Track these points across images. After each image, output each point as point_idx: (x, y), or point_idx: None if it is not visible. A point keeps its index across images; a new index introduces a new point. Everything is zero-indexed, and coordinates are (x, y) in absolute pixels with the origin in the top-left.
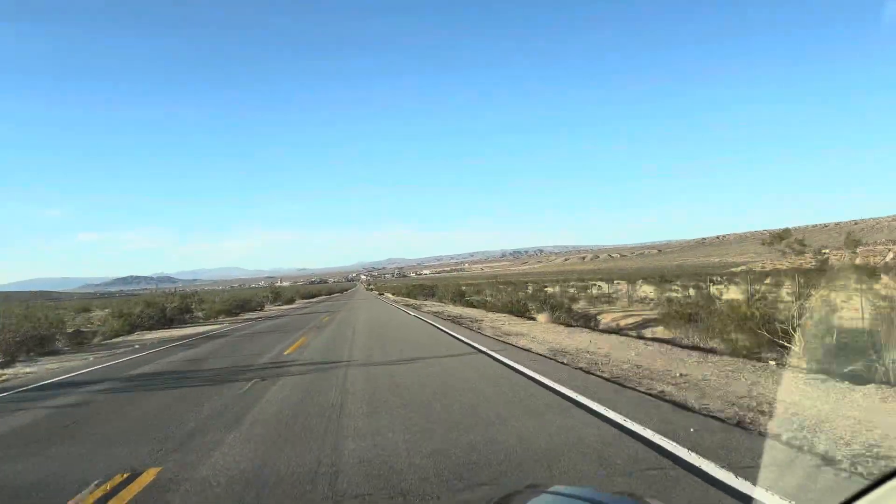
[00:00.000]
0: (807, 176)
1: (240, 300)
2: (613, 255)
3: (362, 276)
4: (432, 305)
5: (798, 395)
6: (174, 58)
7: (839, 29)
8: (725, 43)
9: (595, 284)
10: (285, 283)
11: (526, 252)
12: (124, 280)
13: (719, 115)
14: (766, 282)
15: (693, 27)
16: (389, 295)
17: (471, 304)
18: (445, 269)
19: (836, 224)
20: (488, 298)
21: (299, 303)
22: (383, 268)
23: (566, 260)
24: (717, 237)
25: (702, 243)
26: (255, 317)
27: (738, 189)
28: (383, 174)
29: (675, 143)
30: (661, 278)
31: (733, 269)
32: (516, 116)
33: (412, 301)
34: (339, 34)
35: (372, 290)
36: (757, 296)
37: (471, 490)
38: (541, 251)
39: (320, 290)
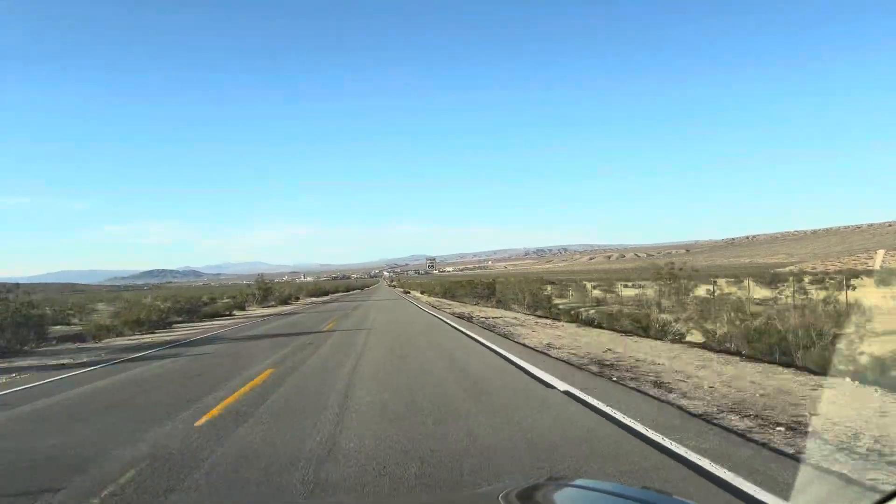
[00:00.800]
0: (839, 175)
1: (188, 301)
2: (640, 254)
3: (385, 273)
4: (527, 324)
5: None
6: (192, 49)
7: (859, 24)
8: (756, 39)
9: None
10: (308, 278)
11: (549, 250)
12: (151, 273)
13: (745, 112)
14: None
15: (723, 21)
16: (418, 294)
17: (588, 323)
18: (469, 266)
19: (870, 225)
20: (655, 314)
21: (301, 303)
22: (406, 264)
23: (591, 259)
24: (747, 237)
25: (731, 243)
26: (174, 338)
27: (765, 189)
28: (405, 170)
29: (699, 141)
30: (775, 279)
31: (780, 269)
32: (537, 113)
33: (461, 308)
34: (361, 25)
35: (395, 286)
36: None
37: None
38: (565, 249)
39: (337, 286)
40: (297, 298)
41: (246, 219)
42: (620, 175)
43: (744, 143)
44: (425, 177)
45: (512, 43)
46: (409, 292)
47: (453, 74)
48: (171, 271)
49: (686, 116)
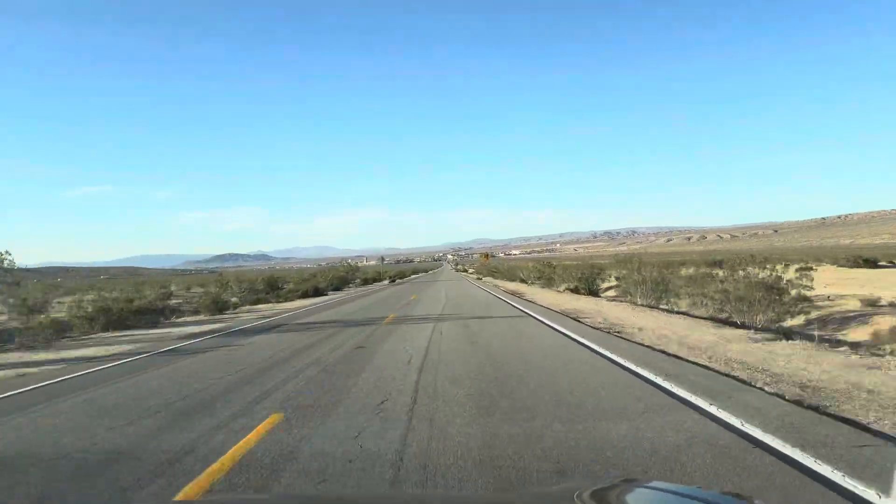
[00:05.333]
0: None
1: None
2: (722, 235)
3: (449, 256)
4: None
5: None
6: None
7: None
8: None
9: None
10: (371, 262)
11: (619, 233)
12: (222, 257)
13: (838, 88)
14: None
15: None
16: (539, 296)
17: None
18: (535, 249)
19: None
20: None
21: (313, 301)
22: (470, 248)
23: (669, 241)
24: (839, 217)
25: (822, 223)
26: None
27: (855, 167)
28: (468, 154)
29: (787, 118)
30: None
31: None
32: (602, 93)
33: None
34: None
35: (466, 271)
36: None
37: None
38: (634, 232)
39: (403, 270)
40: (303, 293)
41: (317, 205)
42: (692, 153)
43: (831, 118)
44: (488, 160)
45: (587, 18)
46: (519, 285)
47: (517, 56)
48: (242, 255)
49: (768, 93)
